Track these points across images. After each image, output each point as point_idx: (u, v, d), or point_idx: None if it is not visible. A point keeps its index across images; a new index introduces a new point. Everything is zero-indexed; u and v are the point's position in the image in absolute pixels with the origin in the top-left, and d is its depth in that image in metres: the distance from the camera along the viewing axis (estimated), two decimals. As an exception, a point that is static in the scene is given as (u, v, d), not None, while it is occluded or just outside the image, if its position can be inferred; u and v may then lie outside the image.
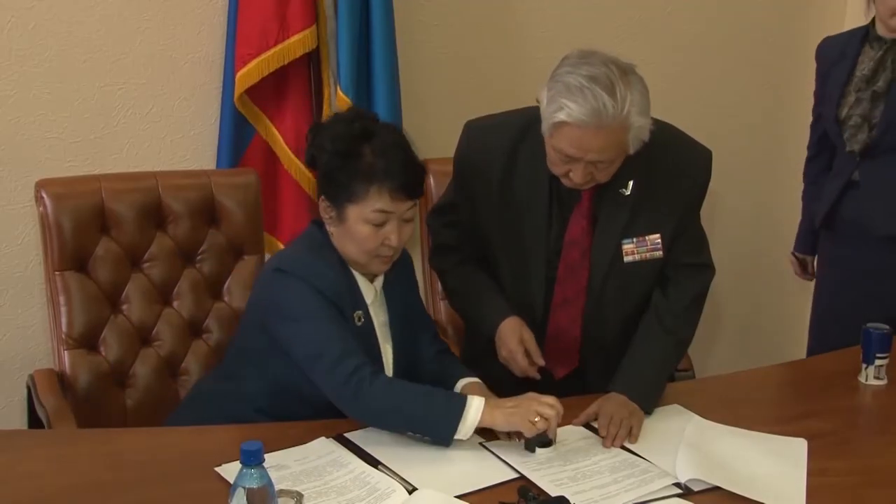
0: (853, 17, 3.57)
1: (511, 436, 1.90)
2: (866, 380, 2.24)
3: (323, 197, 1.96)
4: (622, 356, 2.12)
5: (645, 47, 3.39)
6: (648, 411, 2.03)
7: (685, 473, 1.80)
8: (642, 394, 2.03)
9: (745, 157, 3.66)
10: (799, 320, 3.87)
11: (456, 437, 1.85)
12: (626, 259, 2.10)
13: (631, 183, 2.07)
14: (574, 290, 2.14)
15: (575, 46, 3.24)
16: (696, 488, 1.78)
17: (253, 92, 2.72)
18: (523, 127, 2.08)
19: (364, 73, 2.79)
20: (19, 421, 2.50)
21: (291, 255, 2.03)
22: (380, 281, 2.05)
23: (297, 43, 2.69)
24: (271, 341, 1.95)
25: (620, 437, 1.93)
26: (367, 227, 1.91)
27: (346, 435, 1.90)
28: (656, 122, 2.10)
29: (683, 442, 1.92)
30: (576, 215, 2.10)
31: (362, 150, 1.91)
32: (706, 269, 2.23)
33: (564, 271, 2.13)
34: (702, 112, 3.56)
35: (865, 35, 2.66)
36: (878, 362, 2.22)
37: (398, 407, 1.86)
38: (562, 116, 1.90)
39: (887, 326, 2.25)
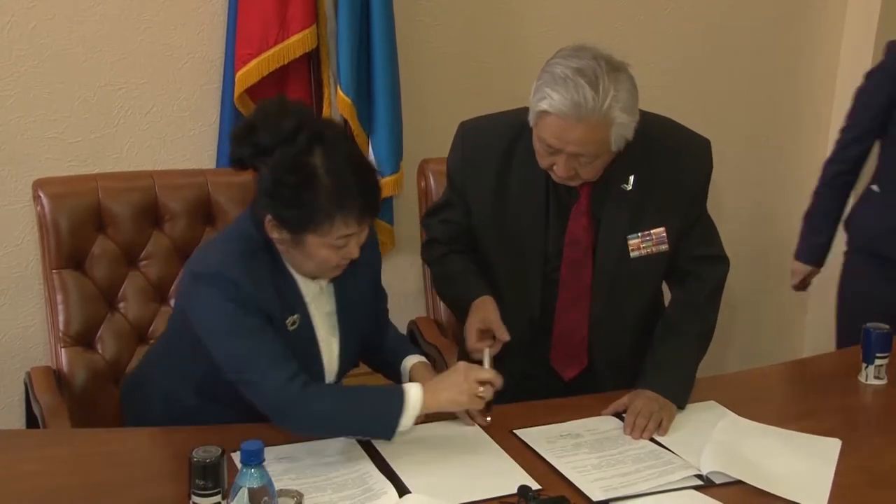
0: (853, 18, 3.58)
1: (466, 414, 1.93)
2: (866, 379, 2.23)
3: (271, 217, 1.80)
4: (632, 353, 2.13)
5: (645, 46, 3.40)
6: (682, 406, 2.03)
7: (708, 465, 1.81)
8: (674, 389, 2.03)
9: (745, 156, 3.66)
10: (799, 320, 3.89)
11: (399, 429, 1.79)
12: (633, 254, 2.10)
13: (632, 177, 2.07)
14: (578, 290, 2.13)
15: (575, 46, 3.29)
16: (717, 481, 1.79)
17: (253, 92, 2.71)
18: (518, 127, 2.08)
19: (364, 73, 2.79)
20: (20, 420, 2.50)
21: (216, 260, 1.85)
22: None
23: (297, 43, 2.69)
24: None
25: (649, 429, 1.94)
26: (329, 251, 1.81)
27: None
28: (653, 116, 2.09)
29: (713, 436, 1.93)
30: (575, 213, 2.09)
31: (314, 172, 1.74)
32: (722, 260, 2.23)
33: (568, 272, 2.12)
34: (702, 111, 3.56)
35: None
36: (878, 362, 2.22)
37: (335, 413, 1.80)
38: (544, 105, 1.92)
39: (887, 326, 2.25)
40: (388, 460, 1.82)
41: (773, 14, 3.58)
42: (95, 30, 2.69)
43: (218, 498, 1.54)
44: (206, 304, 1.83)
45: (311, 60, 2.78)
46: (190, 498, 1.55)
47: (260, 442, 1.51)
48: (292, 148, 1.75)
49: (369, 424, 1.82)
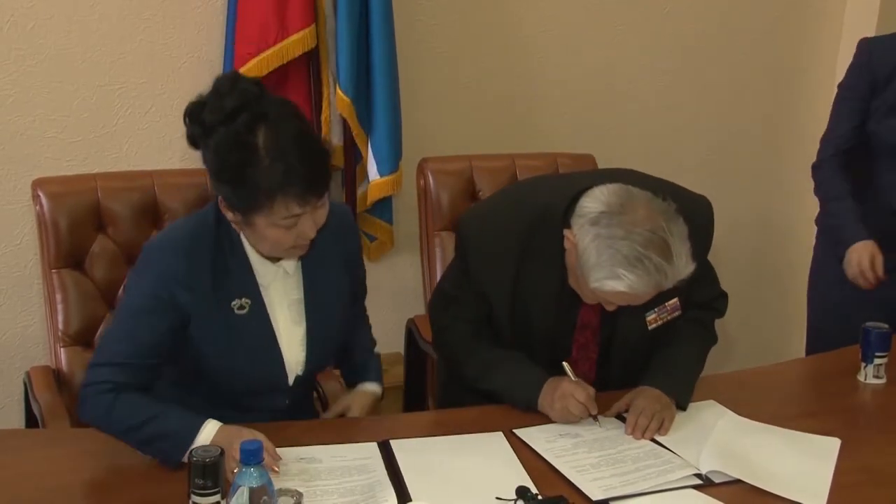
0: (852, 19, 3.58)
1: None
2: (865, 378, 2.23)
3: (221, 198, 1.80)
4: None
5: (645, 46, 3.40)
6: (683, 406, 2.04)
7: (707, 465, 1.81)
8: (677, 389, 2.04)
9: (744, 155, 3.66)
10: (798, 320, 3.88)
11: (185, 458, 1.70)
12: (651, 327, 2.11)
13: None
14: (586, 367, 2.14)
15: (573, 47, 3.30)
16: (717, 480, 1.79)
17: (252, 91, 2.71)
18: (528, 232, 2.02)
19: (364, 73, 2.79)
20: (19, 420, 2.50)
21: (162, 236, 1.92)
22: (290, 260, 1.92)
23: (297, 42, 2.70)
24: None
25: (651, 429, 1.94)
26: (279, 231, 1.77)
27: (391, 442, 1.88)
28: (654, 182, 2.03)
29: (713, 435, 1.94)
30: (588, 305, 2.05)
31: (255, 151, 1.70)
32: (724, 296, 2.28)
33: (577, 351, 2.13)
34: (701, 111, 3.56)
35: None
36: (877, 361, 2.22)
37: (123, 436, 1.78)
38: (621, 287, 1.84)
39: (887, 325, 2.25)
40: (403, 470, 1.78)
41: (772, 14, 3.58)
42: (94, 29, 2.70)
43: (217, 497, 1.54)
44: (136, 276, 1.87)
45: (311, 60, 2.78)
46: (189, 497, 1.55)
47: (259, 441, 1.52)
48: (233, 127, 1.71)
49: (156, 451, 1.77)
